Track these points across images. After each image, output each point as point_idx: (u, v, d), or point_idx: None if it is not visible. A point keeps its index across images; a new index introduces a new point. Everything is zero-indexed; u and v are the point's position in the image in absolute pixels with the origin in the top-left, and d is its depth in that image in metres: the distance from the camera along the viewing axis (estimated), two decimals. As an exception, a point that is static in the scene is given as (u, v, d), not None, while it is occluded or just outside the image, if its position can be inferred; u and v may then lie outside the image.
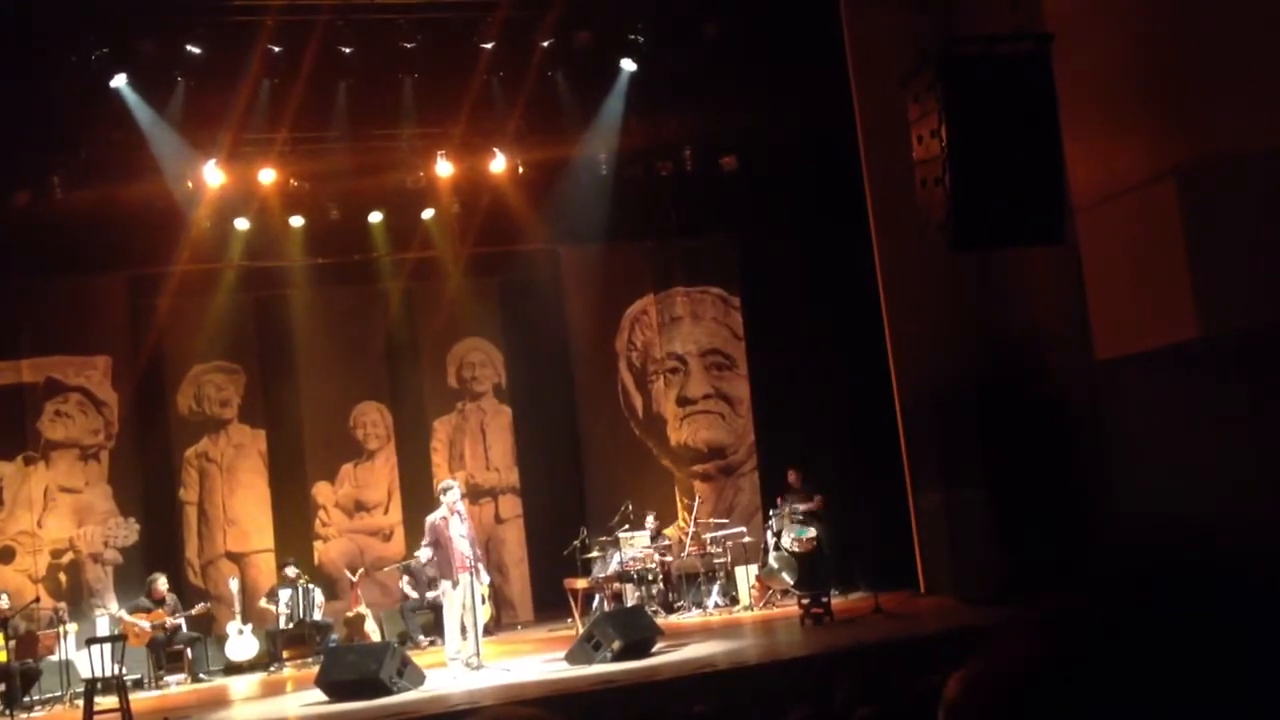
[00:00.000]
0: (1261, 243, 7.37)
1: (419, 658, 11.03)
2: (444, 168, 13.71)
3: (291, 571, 13.38)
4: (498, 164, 13.83)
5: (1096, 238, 8.66)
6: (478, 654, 10.66)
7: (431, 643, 12.95)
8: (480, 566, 10.98)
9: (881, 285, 12.48)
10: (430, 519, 10.89)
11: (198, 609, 12.98)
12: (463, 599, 10.67)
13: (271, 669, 12.93)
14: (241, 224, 13.77)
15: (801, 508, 13.27)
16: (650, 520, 13.76)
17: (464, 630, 10.75)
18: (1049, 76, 7.53)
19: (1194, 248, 7.63)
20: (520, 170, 14.06)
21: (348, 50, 12.27)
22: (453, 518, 10.76)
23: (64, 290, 13.57)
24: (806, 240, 13.90)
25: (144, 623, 12.54)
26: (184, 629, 12.81)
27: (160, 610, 12.71)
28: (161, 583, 12.94)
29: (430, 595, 13.10)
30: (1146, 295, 8.14)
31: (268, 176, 13.33)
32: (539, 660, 11.14)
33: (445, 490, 11.00)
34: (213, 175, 13.05)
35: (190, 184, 13.19)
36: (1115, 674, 0.68)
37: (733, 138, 14.16)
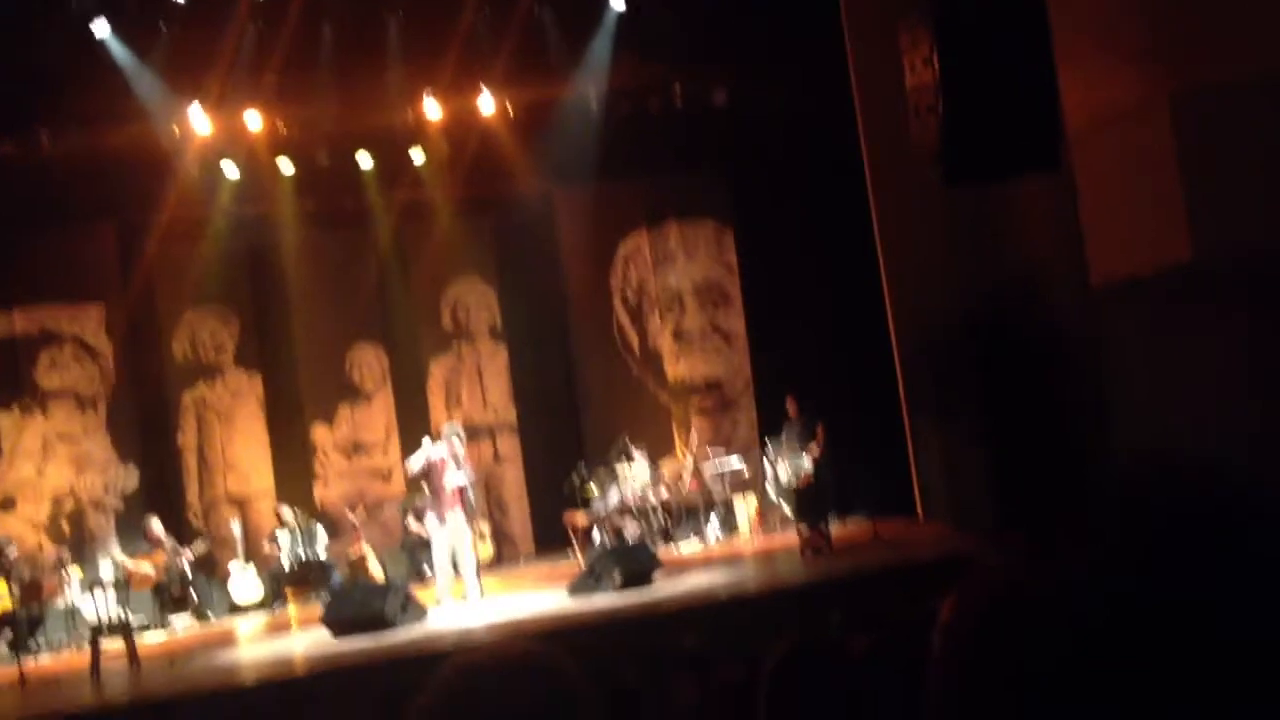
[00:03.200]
0: (1255, 168, 7.35)
1: (425, 592, 11.14)
2: (432, 109, 13.60)
3: (288, 513, 13.46)
4: (486, 105, 13.71)
5: (1091, 165, 8.62)
6: (476, 590, 10.80)
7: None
8: (472, 510, 11.09)
9: (876, 218, 12.45)
10: (429, 448, 10.95)
11: (196, 546, 13.06)
12: (450, 538, 10.82)
13: (276, 609, 13.06)
14: (230, 169, 13.69)
15: (802, 446, 13.29)
16: (637, 453, 13.73)
17: (456, 569, 10.89)
18: (1042, 2, 7.47)
19: (1188, 173, 7.60)
20: (509, 110, 13.95)
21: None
22: (449, 461, 10.86)
23: (54, 240, 13.51)
24: (800, 173, 13.83)
25: (146, 566, 12.63)
26: (187, 570, 12.89)
27: (159, 552, 12.80)
28: (155, 524, 13.00)
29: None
30: (1141, 222, 8.13)
31: (254, 121, 13.22)
32: (541, 594, 11.25)
33: (451, 434, 11.06)
34: (199, 121, 12.94)
35: (177, 130, 13.09)
36: (1114, 595, 0.68)
37: (722, 73, 14.04)
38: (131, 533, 13.36)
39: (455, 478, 10.92)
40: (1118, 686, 0.66)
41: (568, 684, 1.36)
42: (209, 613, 12.92)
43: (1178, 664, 0.65)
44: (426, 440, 11.20)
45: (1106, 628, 0.67)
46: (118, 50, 12.15)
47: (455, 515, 10.89)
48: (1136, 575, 0.68)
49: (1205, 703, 0.63)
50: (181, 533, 13.45)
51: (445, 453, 10.91)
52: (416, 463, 11.01)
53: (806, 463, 13.13)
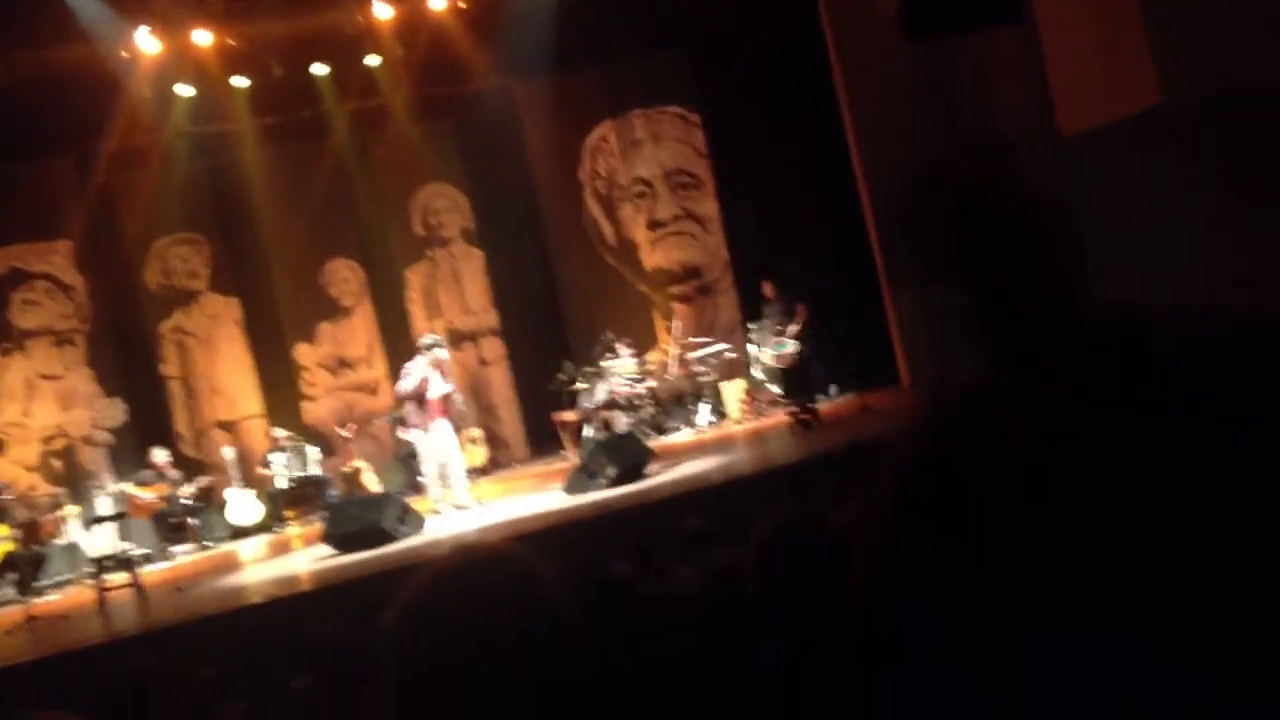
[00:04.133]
0: (1215, 5, 7.24)
1: (422, 502, 11.21)
2: (382, 10, 13.29)
3: (280, 433, 13.48)
4: (437, 1, 13.40)
5: (1054, 14, 8.49)
6: (467, 496, 10.88)
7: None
8: (453, 415, 11.11)
9: (842, 85, 12.27)
10: (411, 369, 10.92)
11: (200, 482, 13.11)
12: (437, 447, 10.85)
13: (276, 529, 13.13)
14: (183, 90, 13.41)
15: (784, 328, 13.28)
16: (622, 347, 13.72)
17: (444, 477, 10.95)
18: None
19: (1151, 13, 7.49)
20: (461, 5, 13.64)
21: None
22: (433, 374, 10.82)
23: (11, 177, 13.28)
24: (761, 48, 13.58)
25: (148, 494, 12.67)
26: (189, 500, 12.94)
27: (163, 483, 12.84)
28: (160, 455, 13.04)
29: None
30: (1107, 67, 8.03)
31: (203, 38, 12.91)
32: (537, 495, 11.32)
33: (429, 346, 10.98)
34: (147, 42, 12.64)
35: (126, 54, 12.79)
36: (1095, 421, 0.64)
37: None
38: (124, 465, 13.38)
39: (440, 386, 10.91)
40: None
41: (537, 581, 1.33)
42: (209, 542, 12.99)
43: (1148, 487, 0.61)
44: (408, 364, 11.11)
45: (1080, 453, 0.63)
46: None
47: (440, 424, 10.91)
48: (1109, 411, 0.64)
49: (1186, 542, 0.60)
50: (175, 462, 13.47)
51: (426, 369, 10.87)
52: (408, 384, 10.94)
53: (789, 345, 13.15)
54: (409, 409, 11.04)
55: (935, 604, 0.64)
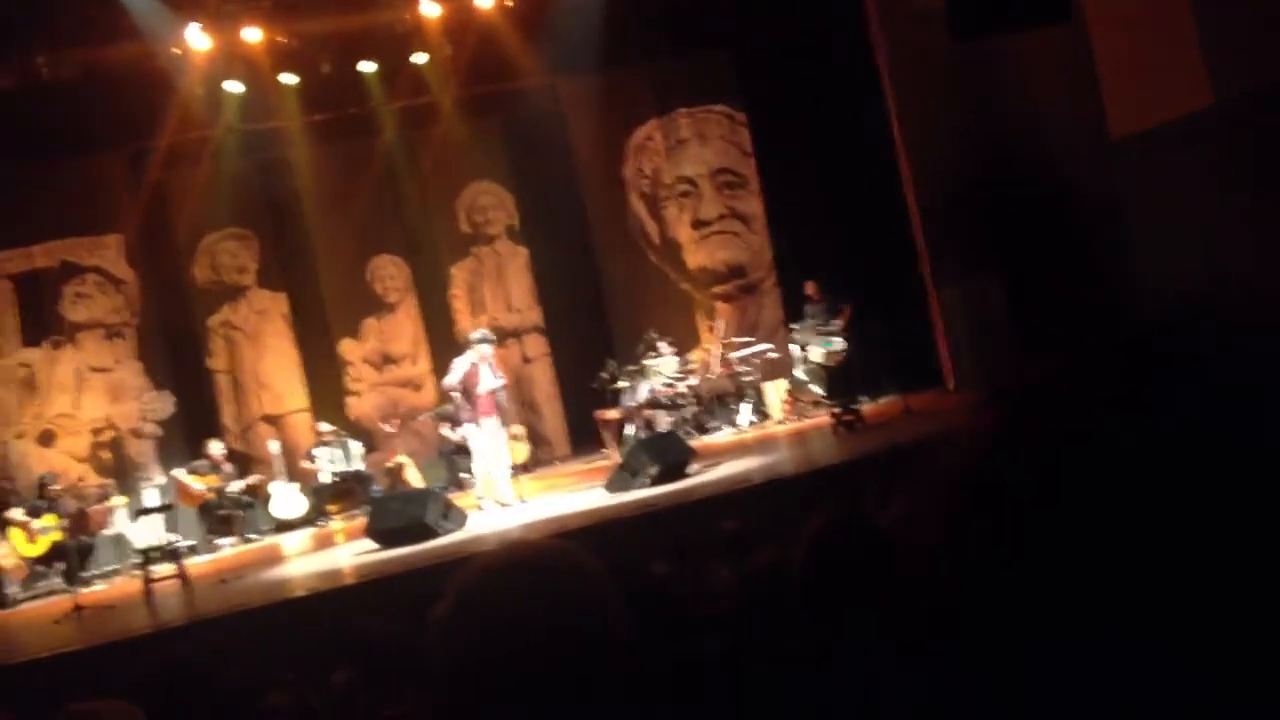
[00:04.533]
0: (1267, 3, 7.14)
1: (464, 499, 11.26)
2: (430, 8, 13.36)
3: (325, 428, 13.58)
4: (484, -1, 13.46)
5: (1104, 14, 8.40)
6: (509, 493, 10.93)
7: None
8: (504, 412, 11.17)
9: (888, 84, 12.21)
10: (459, 360, 11.02)
11: (251, 479, 13.24)
12: (488, 441, 10.92)
13: (320, 523, 13.23)
14: (234, 87, 13.55)
15: (829, 327, 13.22)
16: (664, 346, 13.71)
17: (490, 473, 11.02)
18: None
19: (1202, 14, 7.39)
20: (508, 3, 13.68)
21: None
22: (482, 366, 10.91)
23: (65, 172, 13.46)
24: (807, 46, 13.53)
25: (200, 484, 12.81)
26: (238, 495, 13.07)
27: (216, 475, 12.98)
28: (216, 448, 13.21)
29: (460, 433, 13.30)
30: (1158, 68, 7.94)
31: (253, 35, 13.04)
32: (578, 492, 11.33)
33: (481, 340, 11.08)
34: (198, 39, 12.77)
35: (177, 51, 12.93)
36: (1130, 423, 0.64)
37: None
38: (172, 458, 13.53)
39: (489, 382, 10.97)
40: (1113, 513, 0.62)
41: (587, 578, 1.34)
42: (252, 535, 13.11)
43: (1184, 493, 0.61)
44: (456, 360, 11.21)
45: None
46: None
47: (490, 420, 10.98)
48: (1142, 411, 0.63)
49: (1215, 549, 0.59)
50: (228, 457, 13.60)
51: (476, 359, 10.95)
52: (452, 378, 11.07)
53: (838, 342, 13.08)
54: (459, 403, 11.09)
55: (984, 603, 0.64)
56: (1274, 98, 7.07)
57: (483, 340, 11.12)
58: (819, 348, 13.18)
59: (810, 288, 13.54)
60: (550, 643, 1.24)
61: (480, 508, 10.87)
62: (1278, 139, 7.28)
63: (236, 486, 13.06)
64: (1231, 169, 7.83)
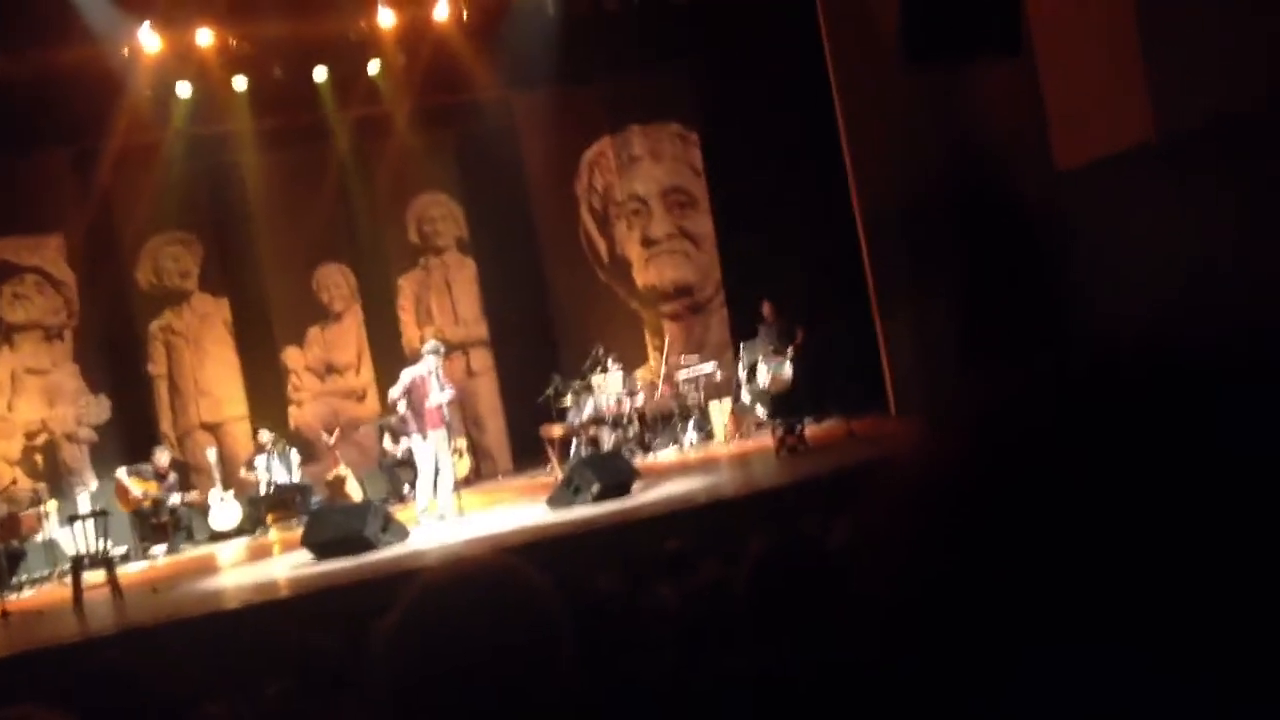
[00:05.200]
0: (1214, 37, 7.28)
1: (404, 512, 11.17)
2: (386, 17, 13.31)
3: (265, 437, 13.43)
4: (441, 10, 13.43)
5: (1052, 47, 8.53)
6: (452, 508, 10.86)
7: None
8: (450, 426, 11.12)
9: (840, 108, 12.30)
10: (409, 371, 10.98)
11: (190, 495, 13.05)
12: (434, 454, 10.85)
13: (256, 534, 13.07)
14: (184, 89, 13.39)
15: (780, 350, 13.26)
16: (611, 364, 13.71)
17: (435, 486, 10.94)
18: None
19: (1150, 50, 7.53)
20: (464, 16, 13.66)
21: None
22: (431, 379, 10.86)
23: (6, 170, 13.22)
24: (761, 67, 13.60)
25: (137, 488, 12.61)
26: (175, 505, 12.88)
27: (155, 484, 12.78)
28: (163, 456, 13.01)
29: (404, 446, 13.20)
30: (1104, 102, 8.07)
31: (205, 37, 12.92)
32: (520, 508, 11.28)
33: (432, 351, 11.05)
34: (149, 39, 12.63)
35: (127, 51, 12.77)
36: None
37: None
38: (107, 463, 13.29)
39: (438, 395, 10.89)
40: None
41: (534, 595, 1.32)
42: (186, 545, 12.91)
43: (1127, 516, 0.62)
44: (405, 371, 11.17)
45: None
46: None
47: (437, 433, 10.92)
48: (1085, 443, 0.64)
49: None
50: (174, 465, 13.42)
51: (426, 370, 10.90)
52: (399, 389, 11.03)
53: (787, 367, 13.12)
54: (406, 415, 11.02)
55: (942, 624, 0.64)
56: (1214, 130, 7.21)
57: (434, 351, 11.08)
58: (766, 371, 13.23)
59: (766, 308, 13.59)
60: (496, 659, 1.22)
61: (420, 522, 10.79)
62: (1214, 172, 7.42)
63: (175, 499, 12.86)
64: (1173, 201, 7.97)
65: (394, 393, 11.17)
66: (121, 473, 12.76)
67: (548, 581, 1.36)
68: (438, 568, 1.35)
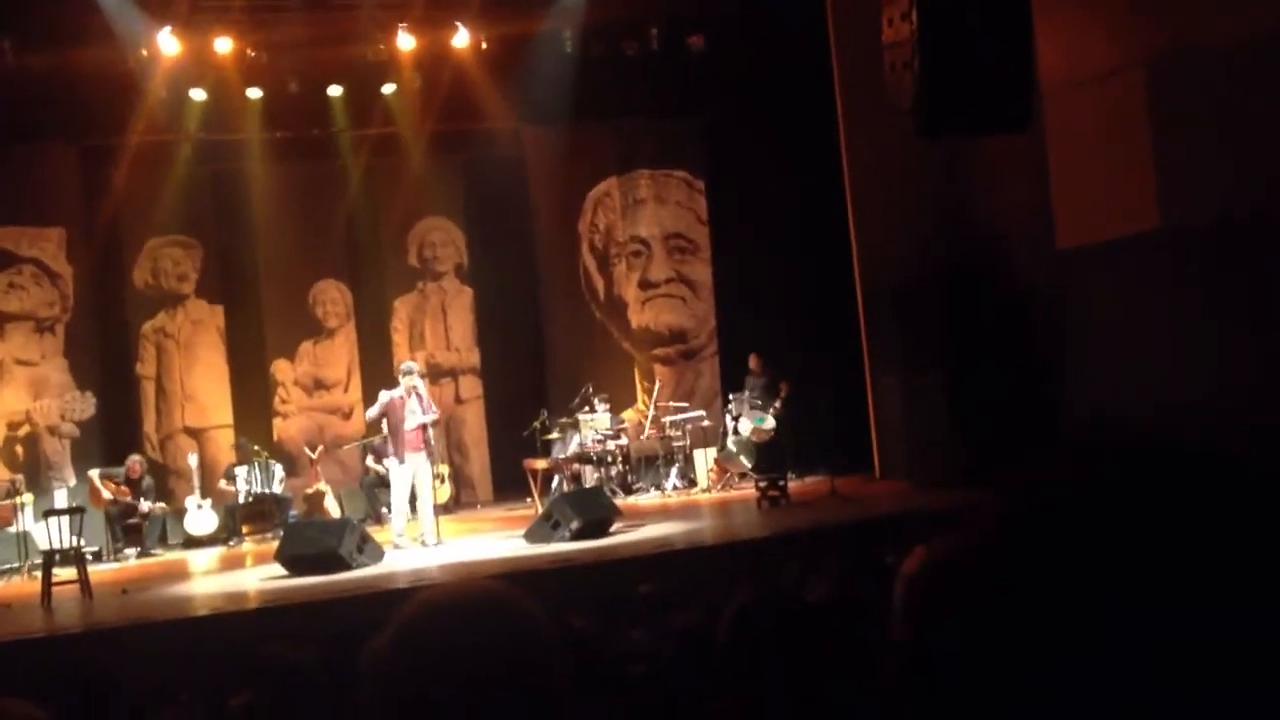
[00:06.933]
0: (1225, 133, 7.37)
1: (382, 533, 11.12)
2: (405, 41, 13.42)
3: (246, 447, 13.38)
4: (460, 39, 13.54)
5: (1063, 126, 8.62)
6: (433, 533, 10.80)
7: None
8: (431, 450, 11.08)
9: (847, 171, 12.42)
10: (385, 393, 10.97)
11: (161, 506, 12.98)
12: (410, 478, 10.80)
13: (231, 543, 13.00)
14: (198, 95, 13.45)
15: (766, 403, 13.30)
16: (599, 403, 13.72)
17: (413, 510, 10.89)
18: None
19: (1159, 139, 7.62)
20: (484, 46, 13.77)
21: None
22: (409, 399, 10.83)
23: (14, 160, 13.25)
24: (773, 125, 13.74)
25: (107, 492, 12.54)
26: (145, 510, 12.81)
27: (128, 489, 12.70)
28: (138, 464, 12.92)
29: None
30: (1110, 185, 8.15)
31: (224, 46, 12.99)
32: (497, 539, 11.25)
33: (406, 372, 11.06)
34: (168, 44, 12.70)
35: (145, 53, 12.84)
36: (1089, 550, 0.69)
37: (700, 17, 13.92)
38: (87, 460, 13.22)
39: (417, 416, 10.87)
40: (1070, 637, 0.66)
41: (530, 623, 1.33)
42: (159, 549, 12.81)
43: (1127, 612, 0.65)
44: (382, 393, 11.16)
45: (1049, 581, 0.67)
46: (85, -33, 11.87)
47: (417, 456, 10.87)
48: (1078, 527, 0.68)
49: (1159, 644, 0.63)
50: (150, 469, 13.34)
51: (402, 391, 10.87)
52: (374, 413, 11.05)
53: (769, 420, 13.16)
54: (385, 437, 11.00)
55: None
56: (1218, 226, 7.28)
57: (407, 373, 11.06)
58: (749, 422, 13.26)
59: (754, 361, 13.65)
60: (492, 685, 1.23)
61: (397, 545, 10.74)
62: (1216, 265, 7.49)
63: (145, 508, 12.78)
64: (1169, 293, 8.03)
65: (370, 414, 11.20)
66: (95, 474, 12.70)
67: (544, 613, 1.37)
68: (434, 588, 1.36)
